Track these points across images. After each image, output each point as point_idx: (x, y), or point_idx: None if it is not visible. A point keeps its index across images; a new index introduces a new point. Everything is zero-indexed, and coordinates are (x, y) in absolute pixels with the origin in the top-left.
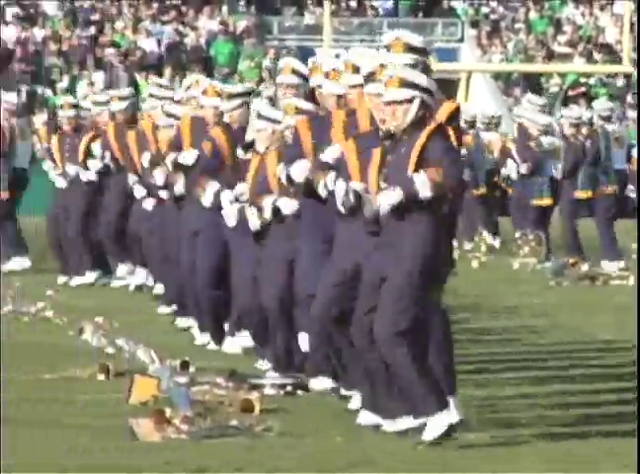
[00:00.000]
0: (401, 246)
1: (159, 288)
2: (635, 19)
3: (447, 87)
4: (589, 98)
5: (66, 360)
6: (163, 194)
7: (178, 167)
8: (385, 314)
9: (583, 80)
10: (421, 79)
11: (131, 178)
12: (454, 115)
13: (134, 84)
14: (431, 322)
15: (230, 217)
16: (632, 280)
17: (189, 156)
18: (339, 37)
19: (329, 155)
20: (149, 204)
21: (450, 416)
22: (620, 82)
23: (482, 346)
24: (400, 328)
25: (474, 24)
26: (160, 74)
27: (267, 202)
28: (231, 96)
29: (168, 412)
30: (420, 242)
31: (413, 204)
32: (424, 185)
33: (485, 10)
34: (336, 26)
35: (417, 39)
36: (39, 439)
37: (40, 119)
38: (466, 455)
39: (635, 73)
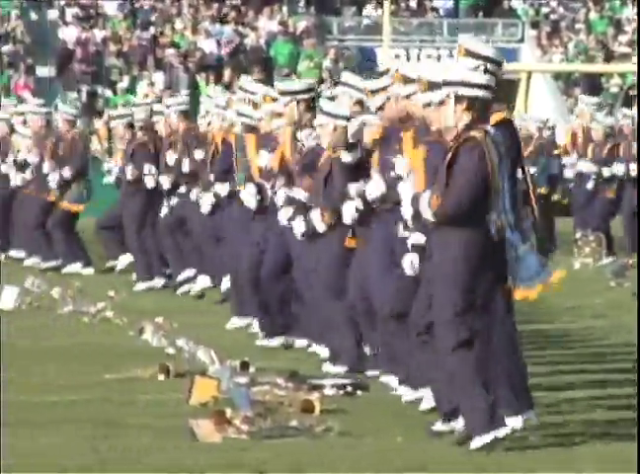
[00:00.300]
0: (439, 257)
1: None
2: None
3: (508, 87)
4: None
5: (126, 361)
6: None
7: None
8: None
9: None
10: (454, 75)
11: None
12: (501, 125)
13: (194, 85)
14: (494, 333)
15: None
16: None
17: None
18: (398, 37)
19: (399, 169)
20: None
21: (499, 431)
22: None
23: (543, 347)
24: (460, 338)
25: (534, 24)
26: (220, 75)
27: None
28: (284, 93)
29: (228, 412)
30: (453, 255)
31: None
32: (426, 209)
33: (545, 10)
34: (395, 26)
35: (479, 46)
36: (99, 439)
37: (99, 120)
38: (525, 457)
39: None
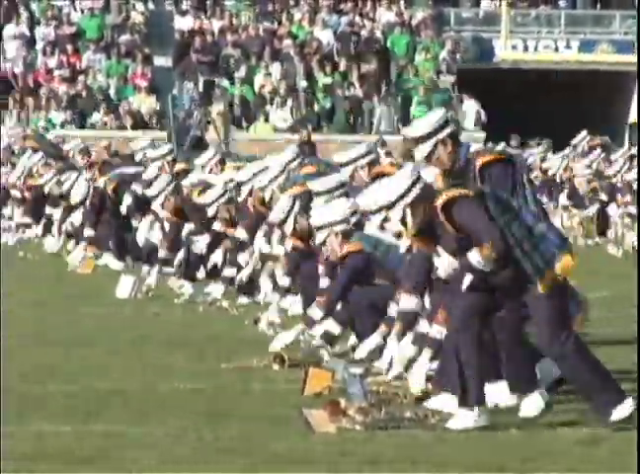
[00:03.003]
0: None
1: None
2: None
3: (623, 79)
4: None
5: (241, 350)
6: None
7: None
8: None
9: None
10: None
11: None
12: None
13: (310, 76)
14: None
15: None
16: None
17: None
18: (516, 28)
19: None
20: None
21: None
22: None
23: None
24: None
25: None
26: (335, 65)
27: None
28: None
29: (342, 403)
30: None
31: None
32: (480, 262)
33: None
34: (513, 17)
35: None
36: (212, 428)
37: (216, 109)
38: (526, 457)
39: None
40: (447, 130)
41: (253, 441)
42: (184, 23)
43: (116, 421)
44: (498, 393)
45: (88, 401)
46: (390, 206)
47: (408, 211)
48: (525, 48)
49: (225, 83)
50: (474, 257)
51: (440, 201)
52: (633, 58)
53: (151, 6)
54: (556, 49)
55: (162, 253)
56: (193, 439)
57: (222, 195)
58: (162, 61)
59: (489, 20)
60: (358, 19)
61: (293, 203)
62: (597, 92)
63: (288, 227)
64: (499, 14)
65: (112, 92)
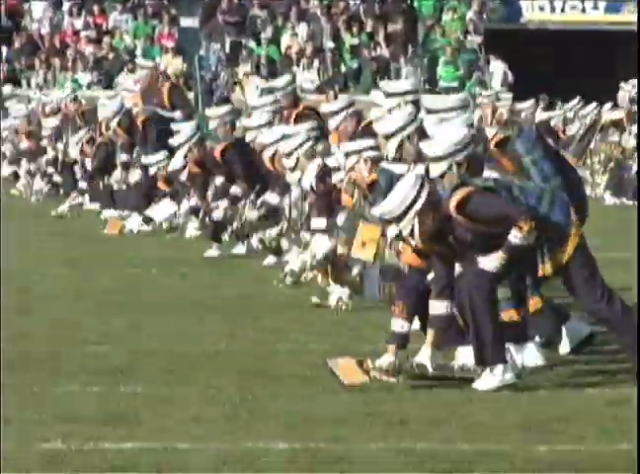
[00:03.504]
0: None
1: None
2: None
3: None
4: None
5: (274, 311)
6: None
7: None
8: None
9: None
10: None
11: None
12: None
13: (336, 36)
14: None
15: None
16: None
17: None
18: None
19: None
20: None
21: None
22: None
23: None
24: None
25: None
26: (362, 26)
27: None
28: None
29: (368, 362)
30: None
31: None
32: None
33: None
34: None
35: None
36: (242, 389)
37: (242, 70)
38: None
39: None
40: (413, 126)
41: (280, 402)
42: None
43: (147, 381)
44: (525, 354)
45: (118, 361)
46: (401, 217)
47: (416, 220)
48: (552, 9)
49: (252, 44)
50: (515, 237)
51: (453, 203)
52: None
53: None
54: (583, 10)
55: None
56: (222, 400)
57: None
58: (189, 22)
59: None
60: None
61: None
62: (624, 51)
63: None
64: None
65: (138, 53)
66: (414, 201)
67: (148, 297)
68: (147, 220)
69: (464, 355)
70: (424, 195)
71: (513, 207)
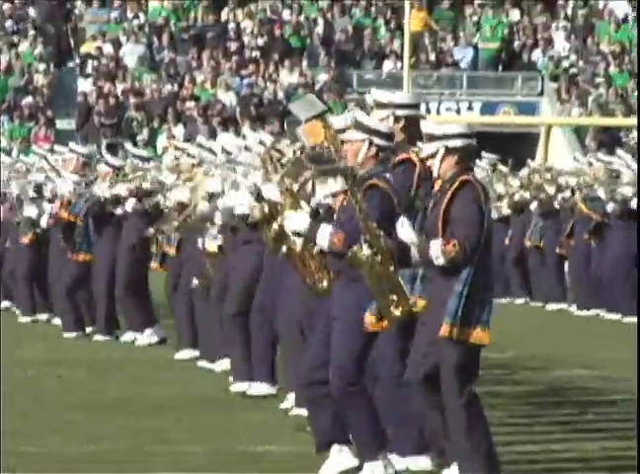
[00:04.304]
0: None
1: None
2: None
3: (527, 140)
4: None
5: None
6: None
7: None
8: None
9: None
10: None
11: None
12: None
13: (213, 137)
14: None
15: None
16: None
17: None
18: (418, 90)
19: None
20: None
21: None
22: None
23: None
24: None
25: (554, 77)
26: (237, 127)
27: None
28: None
29: None
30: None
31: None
32: (437, 254)
33: (565, 64)
34: (415, 78)
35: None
36: None
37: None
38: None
39: None
40: None
41: None
42: (86, 86)
43: None
44: None
45: None
46: None
47: None
48: (428, 110)
49: (128, 145)
50: (435, 247)
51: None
52: (537, 120)
53: (54, 69)
54: (458, 111)
55: None
56: None
57: None
58: (65, 124)
59: (392, 82)
60: (260, 81)
61: None
62: (500, 152)
63: None
64: (401, 76)
65: (14, 155)
66: None
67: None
68: None
69: None
70: None
71: (481, 230)
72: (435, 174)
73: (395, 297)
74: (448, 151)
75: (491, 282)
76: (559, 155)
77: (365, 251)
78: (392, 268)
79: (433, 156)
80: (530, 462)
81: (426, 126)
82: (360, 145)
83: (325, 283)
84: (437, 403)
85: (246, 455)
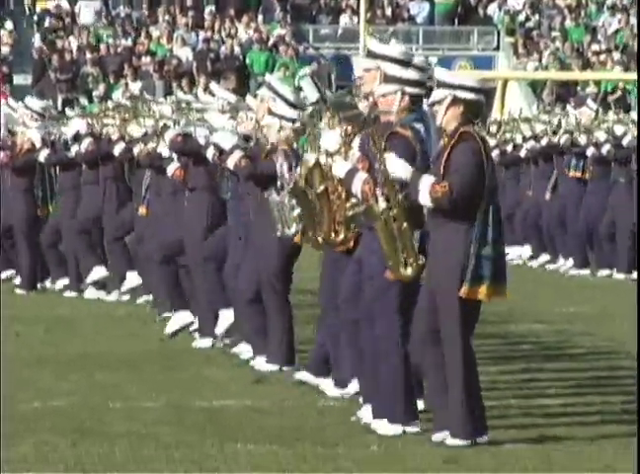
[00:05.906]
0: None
1: None
2: None
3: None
4: (626, 104)
5: None
6: None
7: None
8: None
9: (620, 86)
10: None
11: None
12: None
13: (170, 93)
14: None
15: None
16: None
17: None
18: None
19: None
20: None
21: None
22: None
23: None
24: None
25: (510, 32)
26: (194, 83)
27: None
28: None
29: None
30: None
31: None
32: (424, 193)
33: (521, 18)
34: (371, 33)
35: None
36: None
37: None
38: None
39: None
40: None
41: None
42: (42, 41)
43: None
44: None
45: None
46: None
47: None
48: None
49: (84, 101)
50: (424, 184)
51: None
52: (493, 74)
53: (9, 26)
54: None
55: None
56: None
57: None
58: (21, 80)
59: (347, 37)
60: (216, 36)
61: None
62: None
63: None
64: (357, 31)
65: None
66: None
67: None
68: None
69: None
70: None
71: (474, 179)
72: (437, 122)
73: (405, 256)
74: (455, 101)
75: (499, 238)
76: (515, 109)
77: (382, 204)
78: (406, 224)
79: (440, 103)
80: (491, 418)
81: (439, 73)
82: (393, 98)
83: (341, 237)
84: (438, 356)
85: (202, 410)
